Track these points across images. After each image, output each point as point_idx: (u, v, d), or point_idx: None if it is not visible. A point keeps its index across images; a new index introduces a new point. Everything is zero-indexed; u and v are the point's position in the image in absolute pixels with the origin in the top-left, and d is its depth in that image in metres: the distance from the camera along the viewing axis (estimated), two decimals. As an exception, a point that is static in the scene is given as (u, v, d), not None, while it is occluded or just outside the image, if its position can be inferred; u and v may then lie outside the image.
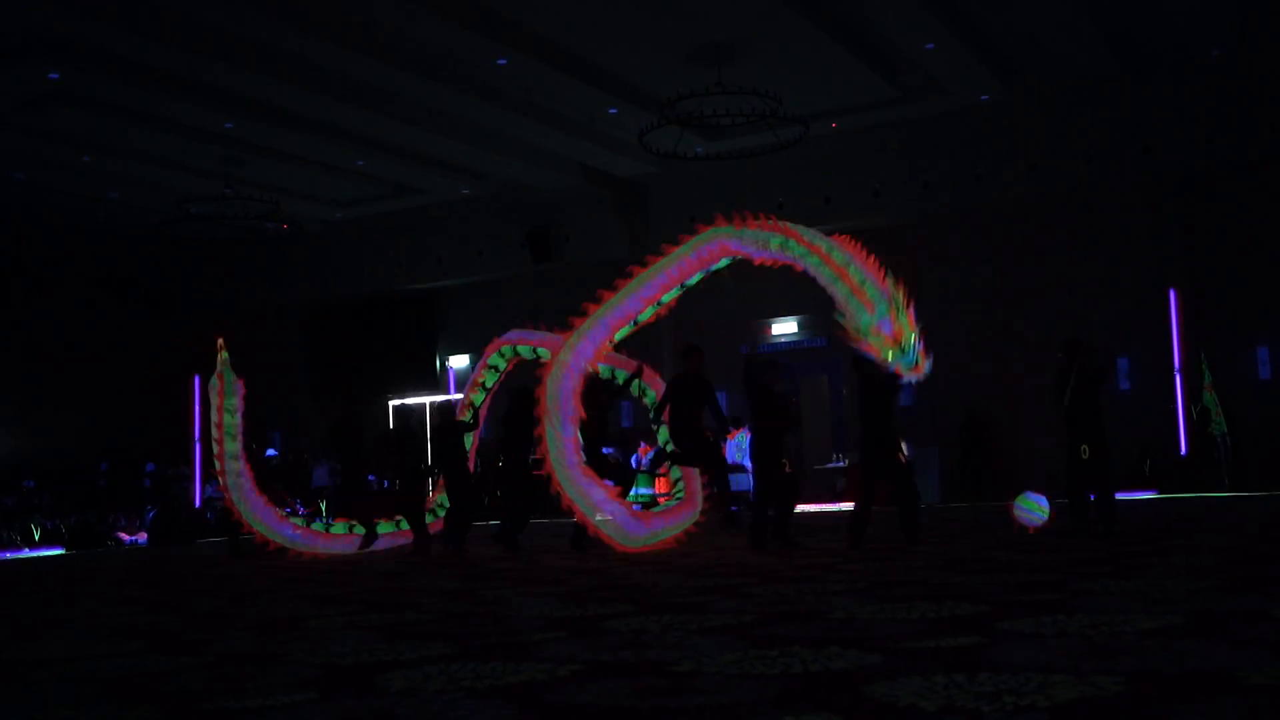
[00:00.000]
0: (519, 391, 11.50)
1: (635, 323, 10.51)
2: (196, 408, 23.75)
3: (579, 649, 4.42)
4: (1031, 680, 3.31)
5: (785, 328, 21.93)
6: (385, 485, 14.87)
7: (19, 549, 18.70)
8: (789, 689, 3.41)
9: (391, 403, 24.14)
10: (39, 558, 17.36)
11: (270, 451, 19.73)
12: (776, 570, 7.68)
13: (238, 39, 15.29)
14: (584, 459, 10.36)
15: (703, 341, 22.30)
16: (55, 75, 15.75)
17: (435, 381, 24.65)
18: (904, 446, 20.17)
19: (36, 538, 19.31)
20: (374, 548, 12.32)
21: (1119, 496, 16.74)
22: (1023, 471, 18.66)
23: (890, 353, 9.44)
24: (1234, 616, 4.53)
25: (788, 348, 21.41)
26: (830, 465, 20.26)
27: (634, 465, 20.80)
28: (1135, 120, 18.85)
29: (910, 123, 20.10)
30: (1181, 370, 18.68)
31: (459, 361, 24.49)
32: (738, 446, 20.47)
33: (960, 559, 7.83)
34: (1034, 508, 9.83)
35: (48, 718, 3.50)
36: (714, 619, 5.17)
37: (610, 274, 23.57)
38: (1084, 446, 9.21)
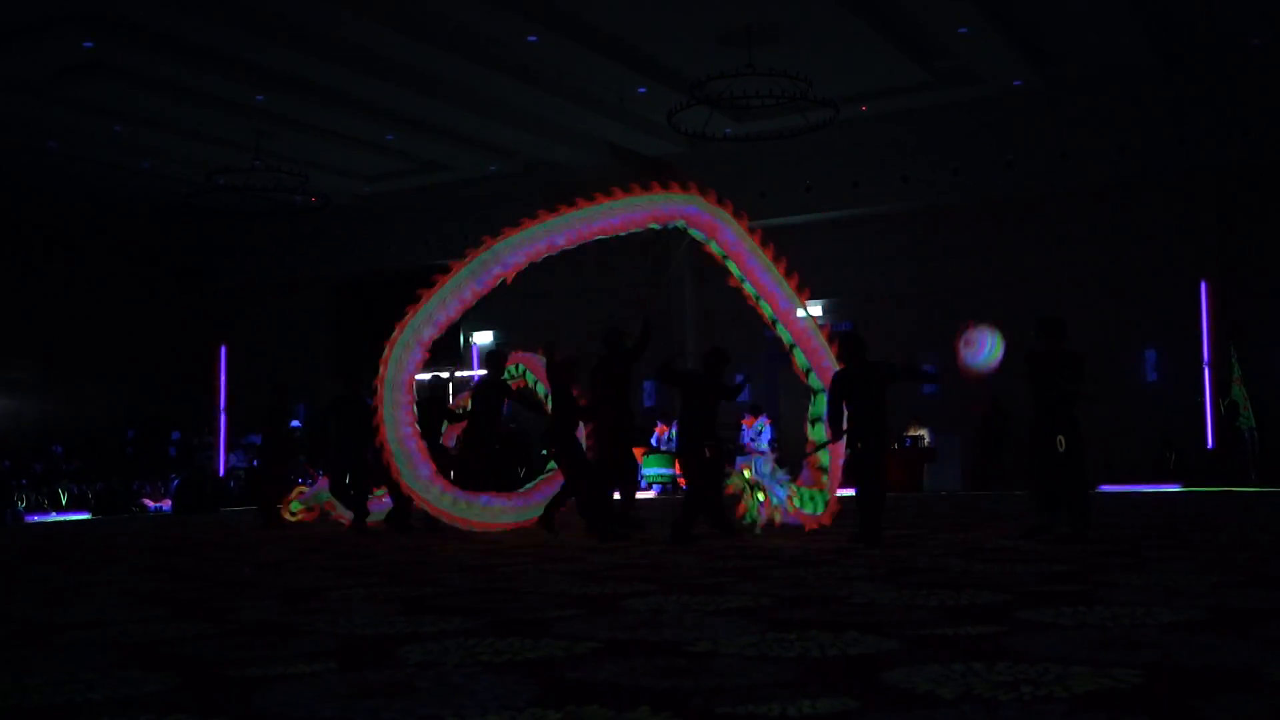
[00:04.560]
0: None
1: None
2: (223, 378, 23.94)
3: (597, 627, 4.43)
4: (1050, 671, 3.30)
5: (811, 311, 21.82)
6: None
7: (46, 513, 18.94)
8: (806, 672, 3.42)
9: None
10: (65, 522, 17.58)
11: (294, 423, 19.83)
12: (796, 554, 7.68)
13: (270, 12, 15.31)
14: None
15: (726, 325, 22.36)
16: (89, 45, 15.82)
17: (460, 357, 24.73)
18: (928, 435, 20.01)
19: (64, 502, 19.55)
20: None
21: (1142, 489, 16.55)
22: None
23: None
24: (1257, 613, 4.51)
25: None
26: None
27: (654, 445, 20.87)
28: (1171, 109, 18.63)
29: (941, 108, 19.93)
30: (1210, 363, 18.51)
31: (483, 337, 24.55)
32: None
33: (981, 548, 7.80)
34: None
35: (73, 681, 3.55)
36: (732, 601, 5.18)
37: (636, 252, 23.65)
38: (1060, 438, 8.23)
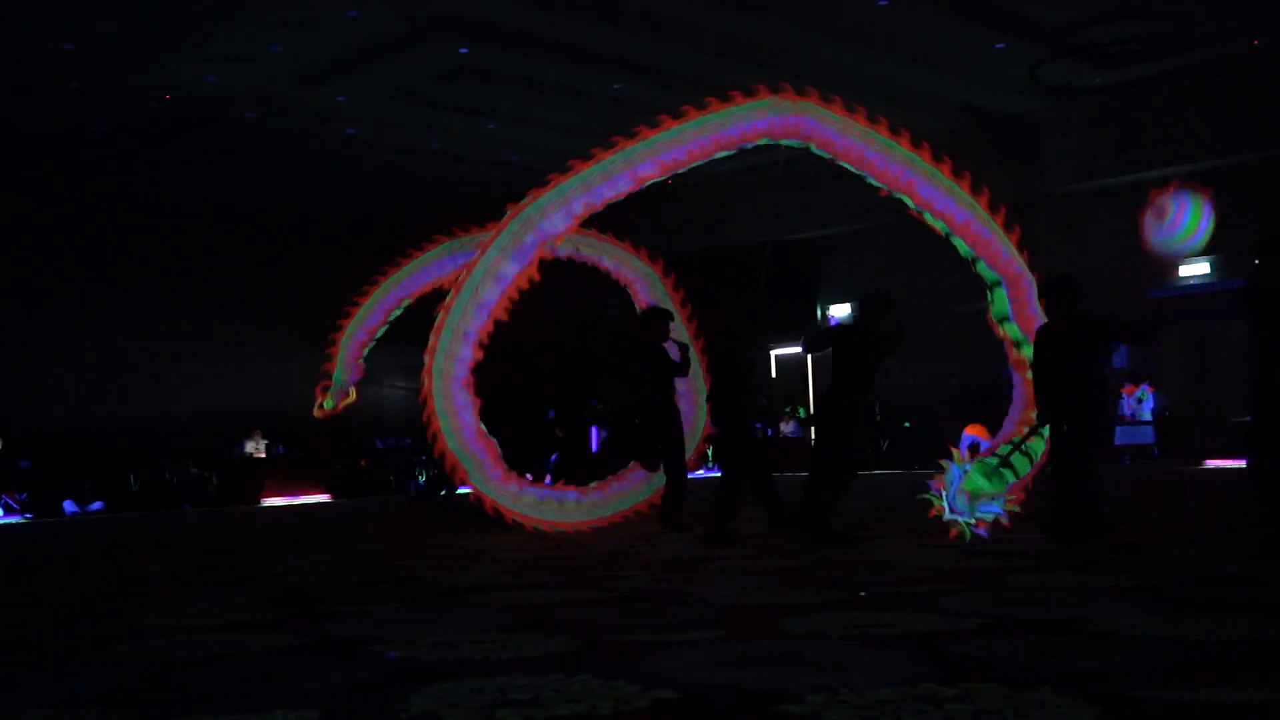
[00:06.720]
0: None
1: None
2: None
3: (976, 602, 4.30)
4: None
5: (1196, 269, 20.06)
6: None
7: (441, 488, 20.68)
8: (1220, 657, 3.16)
9: (773, 353, 24.57)
10: (459, 495, 19.08)
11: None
12: (1177, 531, 7.12)
13: (623, 5, 15.87)
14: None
15: (1105, 283, 20.95)
16: (465, 50, 17.06)
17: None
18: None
19: (455, 477, 21.27)
20: None
21: None
22: None
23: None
24: None
25: (1198, 291, 19.63)
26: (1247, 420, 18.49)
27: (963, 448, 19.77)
28: None
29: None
30: None
31: (840, 310, 24.42)
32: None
33: None
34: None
35: (482, 641, 3.85)
36: (1123, 578, 4.87)
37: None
38: (1063, 426, 6.50)
